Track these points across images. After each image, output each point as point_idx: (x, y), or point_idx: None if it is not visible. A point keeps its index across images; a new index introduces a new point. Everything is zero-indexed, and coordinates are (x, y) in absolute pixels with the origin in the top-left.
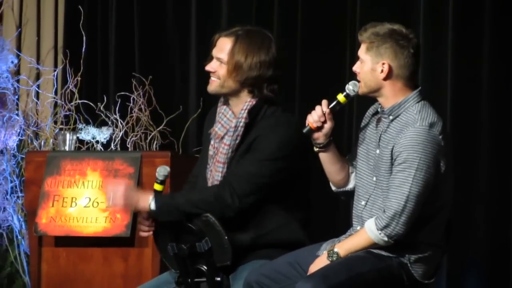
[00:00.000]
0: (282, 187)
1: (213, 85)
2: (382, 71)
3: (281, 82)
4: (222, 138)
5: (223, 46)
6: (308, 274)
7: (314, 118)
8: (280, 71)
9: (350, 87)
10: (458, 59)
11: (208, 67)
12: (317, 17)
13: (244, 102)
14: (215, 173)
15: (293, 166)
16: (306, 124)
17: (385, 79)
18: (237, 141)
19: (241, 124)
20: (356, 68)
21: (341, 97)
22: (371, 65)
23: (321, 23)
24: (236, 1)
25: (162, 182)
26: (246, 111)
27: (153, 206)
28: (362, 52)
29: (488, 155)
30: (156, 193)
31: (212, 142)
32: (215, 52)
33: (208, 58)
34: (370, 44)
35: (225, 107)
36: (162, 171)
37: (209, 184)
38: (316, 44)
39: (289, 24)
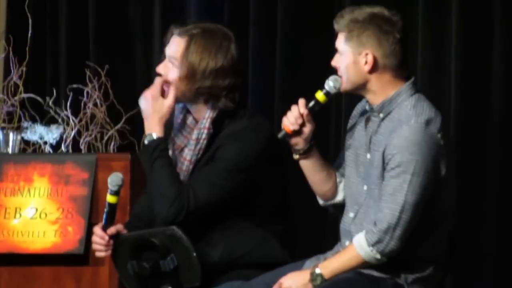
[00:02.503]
0: (253, 200)
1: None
2: (366, 62)
3: (242, 90)
4: (182, 150)
5: (176, 46)
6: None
7: (290, 120)
8: (241, 77)
9: (330, 84)
10: (464, 39)
11: (158, 68)
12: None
13: (204, 111)
14: None
15: (263, 177)
16: (282, 128)
17: (370, 71)
18: (199, 156)
19: (204, 136)
20: (335, 62)
21: (320, 95)
22: (353, 57)
23: (304, 8)
24: None
25: (116, 193)
26: (209, 120)
27: (146, 140)
28: (340, 43)
29: (500, 155)
30: (151, 144)
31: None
32: (167, 50)
33: (162, 56)
34: (349, 33)
35: (184, 111)
36: (115, 179)
37: None
38: (299, 33)
39: (267, 11)
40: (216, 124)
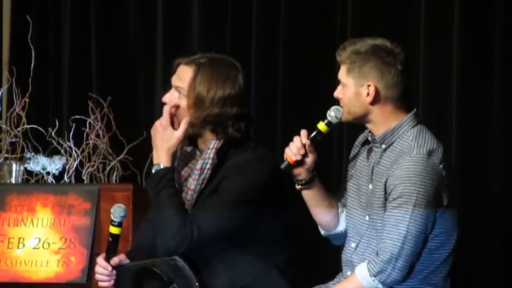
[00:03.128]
0: (256, 231)
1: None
2: (368, 94)
3: (250, 119)
4: (186, 179)
5: (183, 75)
6: None
7: (292, 151)
8: (248, 107)
9: (332, 114)
10: (464, 66)
11: (164, 98)
12: (303, 24)
13: (210, 141)
14: None
15: (266, 208)
16: (284, 159)
17: (372, 103)
18: (203, 185)
19: (208, 166)
20: (337, 93)
21: (322, 126)
22: (355, 89)
23: (307, 30)
24: (208, 14)
25: (119, 224)
26: (214, 150)
27: (153, 170)
28: (342, 74)
29: (503, 185)
30: (158, 173)
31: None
32: (174, 80)
33: (168, 86)
34: (351, 65)
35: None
36: (118, 211)
37: None
38: (300, 64)
39: (270, 35)
40: (221, 154)
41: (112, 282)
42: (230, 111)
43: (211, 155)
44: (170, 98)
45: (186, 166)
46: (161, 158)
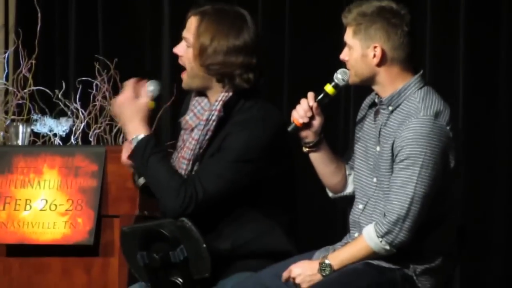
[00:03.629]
0: (259, 191)
1: (184, 79)
2: (374, 55)
3: (259, 70)
4: (192, 130)
5: (190, 25)
6: (284, 275)
7: (299, 113)
8: (256, 57)
9: (339, 76)
10: (472, 35)
11: (175, 49)
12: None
13: (219, 93)
14: (178, 170)
15: (269, 167)
16: (291, 121)
17: (378, 64)
18: (207, 137)
19: (214, 117)
20: (344, 55)
21: (329, 88)
22: (361, 51)
23: (312, 2)
24: None
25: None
26: (221, 102)
27: (134, 143)
28: (348, 36)
29: (510, 148)
30: (140, 144)
31: (182, 132)
32: (184, 31)
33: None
34: (357, 27)
35: (199, 96)
36: (154, 85)
37: None
38: (307, 27)
39: (275, 5)
40: (228, 108)
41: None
42: (235, 60)
43: (218, 107)
44: (180, 49)
45: (195, 117)
46: (138, 129)
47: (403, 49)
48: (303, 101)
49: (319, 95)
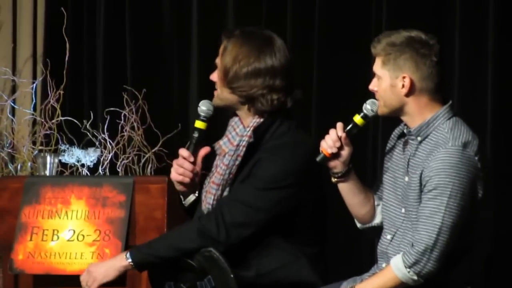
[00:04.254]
0: (289, 219)
1: (214, 97)
2: (403, 86)
3: (286, 92)
4: (225, 155)
5: (220, 50)
6: None
7: (328, 143)
8: (282, 79)
9: (368, 107)
10: (500, 64)
11: (211, 76)
12: (338, 19)
13: (249, 117)
14: (208, 196)
15: (301, 196)
16: (320, 152)
17: (407, 95)
18: (237, 163)
19: (244, 143)
20: (373, 86)
21: (358, 119)
22: (390, 81)
23: (342, 25)
24: (243, 10)
25: (205, 120)
26: (252, 128)
27: (130, 260)
28: (377, 67)
29: None
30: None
31: (216, 159)
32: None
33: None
34: (386, 57)
35: (237, 119)
36: (206, 105)
37: (203, 206)
38: (336, 49)
39: (304, 30)
40: (259, 133)
41: (189, 178)
42: (255, 83)
43: (249, 133)
44: (214, 75)
45: (229, 143)
46: (117, 258)
47: (432, 79)
48: (332, 131)
49: (347, 125)
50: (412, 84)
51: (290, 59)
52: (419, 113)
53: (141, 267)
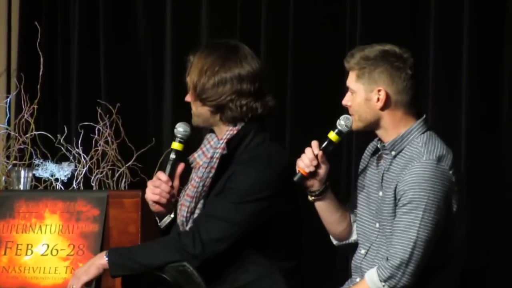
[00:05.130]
0: (264, 233)
1: (192, 117)
2: (378, 99)
3: (256, 97)
4: (199, 168)
5: (188, 67)
6: None
7: (305, 162)
8: (250, 84)
9: (342, 123)
10: (474, 78)
11: (186, 98)
12: (311, 35)
13: (224, 129)
14: (182, 208)
15: (276, 208)
16: (297, 171)
17: (382, 108)
18: (211, 175)
19: (217, 155)
20: (346, 101)
21: (333, 135)
22: (365, 95)
23: (316, 40)
24: (217, 22)
25: (182, 141)
26: (225, 140)
27: (107, 258)
28: (352, 81)
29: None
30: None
31: (192, 172)
32: None
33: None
34: (361, 71)
35: (212, 133)
36: (183, 127)
37: (178, 220)
38: (311, 64)
39: (279, 45)
40: (233, 146)
41: (166, 199)
42: (223, 90)
43: (222, 145)
44: (188, 95)
45: (203, 154)
46: (98, 259)
47: (407, 92)
48: (307, 150)
49: (322, 143)
50: (387, 97)
51: (257, 65)
52: (393, 127)
53: (115, 268)
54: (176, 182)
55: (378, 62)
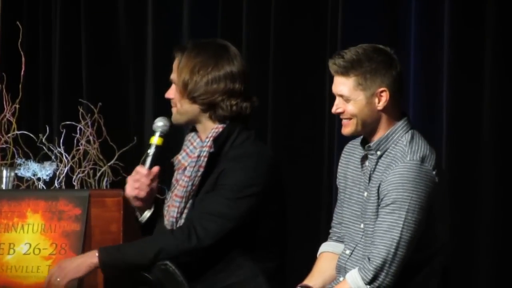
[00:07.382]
0: (250, 231)
1: (173, 114)
2: (380, 100)
3: (245, 97)
4: (185, 169)
5: (174, 66)
6: None
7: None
8: (240, 84)
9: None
10: (455, 78)
11: (167, 94)
12: (292, 38)
13: (210, 129)
14: (171, 209)
15: (265, 205)
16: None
17: (383, 108)
18: (200, 174)
19: (205, 153)
20: (337, 108)
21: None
22: (365, 99)
23: (296, 43)
24: (198, 15)
25: (162, 135)
26: (211, 138)
27: (98, 258)
28: (346, 89)
29: (494, 191)
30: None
31: (175, 173)
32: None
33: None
34: (359, 76)
35: (193, 133)
36: (163, 121)
37: (166, 221)
38: (291, 68)
39: (260, 48)
40: (219, 143)
41: (145, 192)
42: (217, 88)
43: (208, 143)
44: (170, 92)
45: (187, 156)
46: (88, 255)
47: (400, 90)
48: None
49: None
50: (387, 96)
51: (245, 65)
52: (379, 127)
53: (107, 268)
54: (155, 178)
55: (374, 63)
